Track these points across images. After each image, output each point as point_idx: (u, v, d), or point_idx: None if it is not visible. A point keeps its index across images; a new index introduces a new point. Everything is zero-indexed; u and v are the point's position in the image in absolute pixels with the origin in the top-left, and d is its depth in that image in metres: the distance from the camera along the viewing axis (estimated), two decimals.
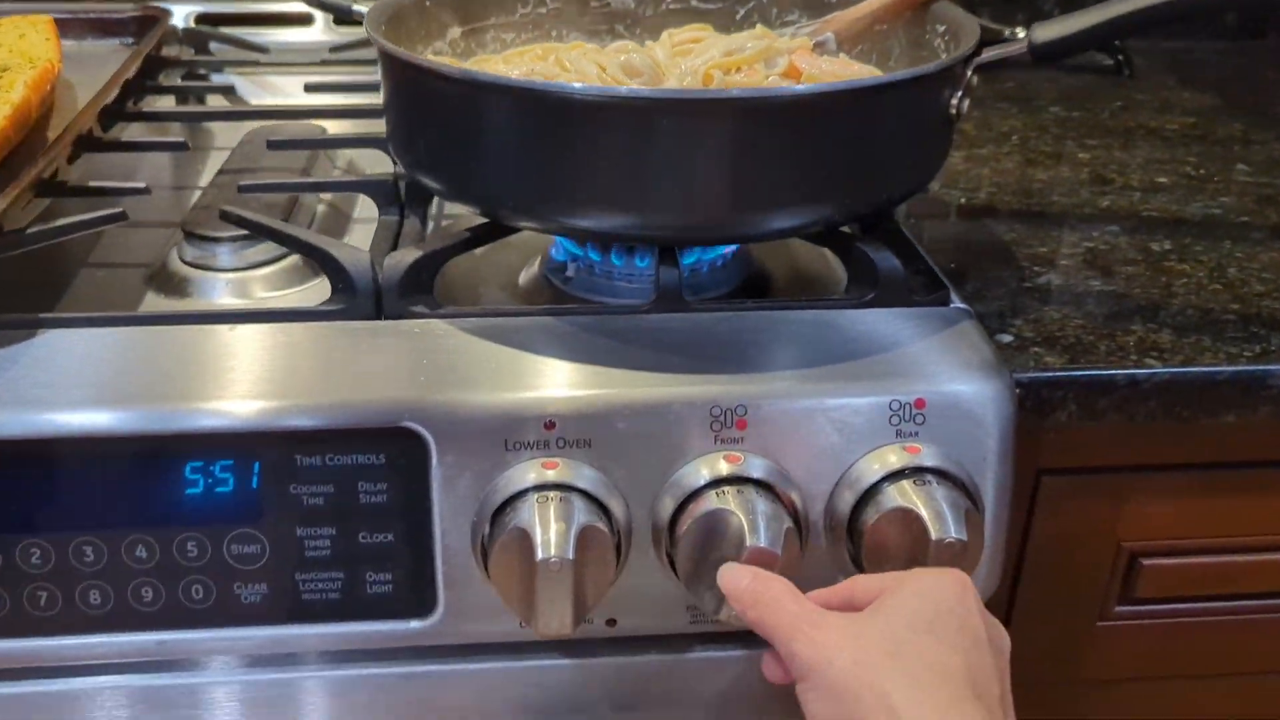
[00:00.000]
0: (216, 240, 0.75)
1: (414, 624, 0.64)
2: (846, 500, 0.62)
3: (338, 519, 0.61)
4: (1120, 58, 1.23)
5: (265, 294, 0.73)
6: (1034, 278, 0.79)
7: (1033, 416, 0.69)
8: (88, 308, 0.68)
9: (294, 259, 0.76)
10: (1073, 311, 0.74)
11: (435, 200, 0.84)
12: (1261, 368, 0.69)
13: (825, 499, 0.63)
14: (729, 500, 0.60)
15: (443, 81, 0.65)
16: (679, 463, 0.62)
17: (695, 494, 0.61)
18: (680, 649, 0.67)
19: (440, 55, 0.80)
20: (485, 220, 0.71)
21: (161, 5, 1.04)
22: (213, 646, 0.63)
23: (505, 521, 0.59)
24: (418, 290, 0.67)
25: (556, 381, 0.62)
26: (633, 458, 0.61)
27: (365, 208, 0.86)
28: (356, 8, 0.94)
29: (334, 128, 0.94)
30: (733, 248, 0.75)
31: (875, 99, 0.64)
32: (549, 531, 0.58)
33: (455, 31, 0.83)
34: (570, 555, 0.57)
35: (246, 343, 0.64)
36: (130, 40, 0.97)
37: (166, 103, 1.00)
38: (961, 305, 0.70)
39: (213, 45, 1.14)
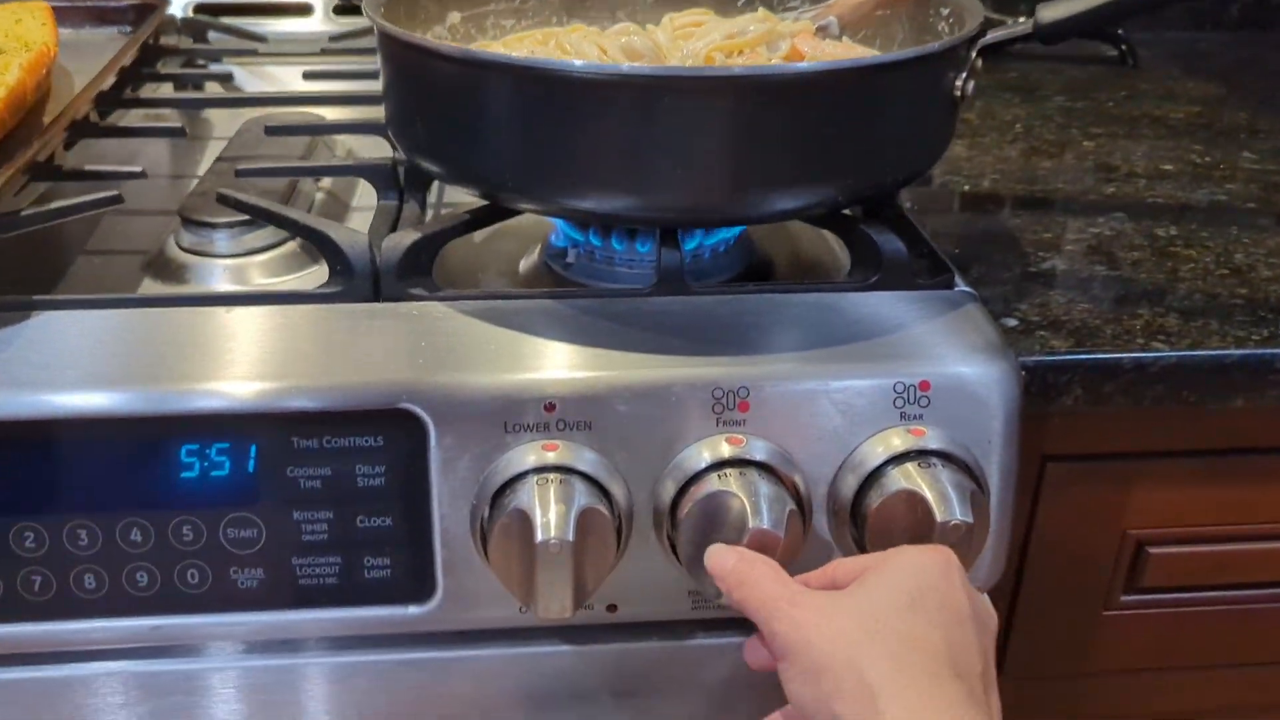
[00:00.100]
0: (214, 226, 0.74)
1: (413, 609, 0.63)
2: (850, 483, 0.61)
3: (335, 502, 0.61)
4: (1124, 48, 1.23)
5: (263, 280, 0.73)
6: (1039, 263, 0.78)
7: (1038, 401, 0.68)
8: (84, 293, 0.68)
9: (291, 245, 0.75)
10: (1078, 296, 0.73)
11: (435, 188, 0.83)
12: (1270, 351, 0.68)
13: (828, 482, 0.62)
14: (731, 483, 0.59)
15: (442, 61, 0.64)
16: (680, 445, 0.61)
17: (697, 477, 0.60)
18: (682, 635, 0.67)
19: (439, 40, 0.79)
20: (485, 203, 0.70)
21: None
22: (209, 632, 0.63)
23: (505, 504, 0.59)
24: (416, 272, 0.67)
25: (557, 363, 0.61)
26: (634, 440, 0.61)
27: (364, 196, 0.86)
28: None
29: (333, 116, 0.94)
30: (734, 233, 0.74)
31: (879, 78, 0.64)
32: (549, 513, 0.57)
33: (455, 17, 0.82)
34: (570, 537, 0.57)
35: (243, 325, 0.63)
36: (128, 29, 0.96)
37: (164, 91, 0.99)
38: (966, 288, 0.69)
39: (211, 34, 1.13)
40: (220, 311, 0.64)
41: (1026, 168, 0.95)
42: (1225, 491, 0.75)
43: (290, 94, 0.94)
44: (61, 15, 0.91)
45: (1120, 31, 1.24)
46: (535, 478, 0.59)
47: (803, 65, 0.68)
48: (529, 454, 0.60)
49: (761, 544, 0.58)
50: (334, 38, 1.12)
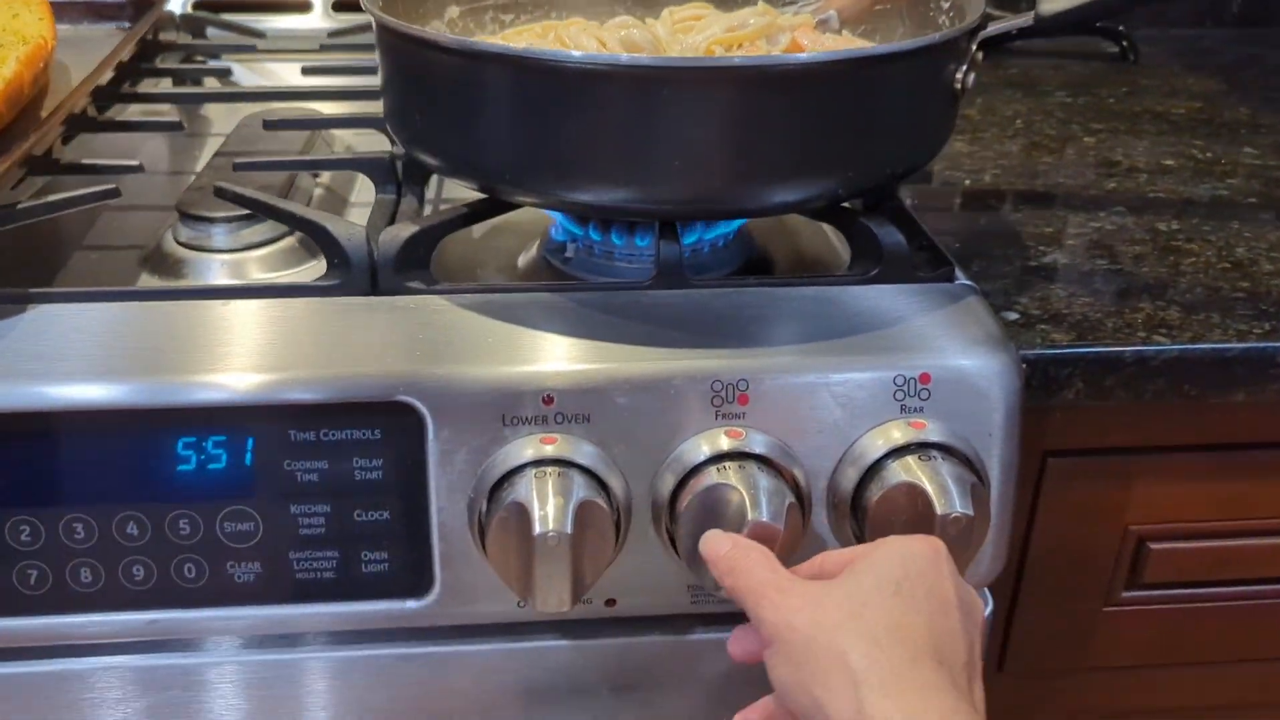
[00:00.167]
0: (211, 221, 0.74)
1: (410, 604, 0.63)
2: (850, 476, 0.61)
3: (332, 496, 0.60)
4: (1125, 44, 1.23)
5: (260, 275, 0.72)
6: (1040, 257, 0.78)
7: (1039, 395, 0.68)
8: (80, 286, 0.67)
9: (289, 240, 0.75)
10: (1080, 290, 0.73)
11: (433, 182, 0.83)
12: (1271, 345, 0.68)
13: (828, 475, 0.62)
14: (730, 476, 0.59)
15: (440, 53, 0.64)
16: (679, 438, 0.61)
17: (696, 470, 0.60)
18: (681, 629, 0.66)
19: None
20: (484, 196, 0.70)
21: None
22: (205, 626, 0.63)
23: (503, 497, 0.58)
24: (414, 266, 0.66)
25: (555, 356, 0.61)
26: (632, 433, 0.60)
27: (362, 192, 0.85)
28: None
29: (331, 111, 0.93)
30: (733, 228, 0.74)
31: (879, 70, 0.63)
32: (547, 506, 0.57)
33: (454, 11, 0.82)
34: (568, 530, 0.56)
35: (240, 318, 0.63)
36: (126, 24, 0.96)
37: (163, 86, 0.99)
38: (966, 281, 0.69)
39: (210, 30, 1.13)
40: (217, 304, 0.64)
41: (1028, 163, 0.95)
42: (1226, 487, 0.75)
43: (289, 89, 0.94)
44: (59, 10, 0.91)
45: (1121, 27, 1.23)
46: (533, 471, 0.58)
47: (803, 56, 0.68)
48: (527, 447, 0.59)
49: (761, 537, 0.57)
50: (333, 34, 1.12)
